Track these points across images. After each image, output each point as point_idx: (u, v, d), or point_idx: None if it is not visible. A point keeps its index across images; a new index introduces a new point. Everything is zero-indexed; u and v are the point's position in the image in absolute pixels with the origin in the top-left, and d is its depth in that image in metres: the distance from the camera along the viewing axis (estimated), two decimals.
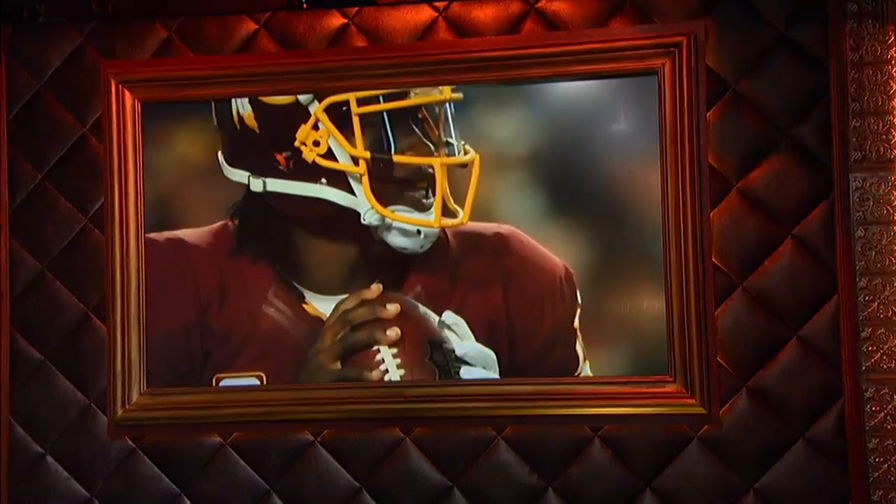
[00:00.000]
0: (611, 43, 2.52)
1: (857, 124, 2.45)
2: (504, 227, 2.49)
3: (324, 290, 2.53)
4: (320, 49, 2.61)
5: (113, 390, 2.63)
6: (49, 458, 2.67)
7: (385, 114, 2.45)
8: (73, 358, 2.66)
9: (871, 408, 2.43)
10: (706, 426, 2.49)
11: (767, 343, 2.49)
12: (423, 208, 2.47)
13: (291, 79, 2.58)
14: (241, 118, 2.49)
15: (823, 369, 2.47)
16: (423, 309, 2.51)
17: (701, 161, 2.48)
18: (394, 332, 2.51)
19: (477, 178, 2.48)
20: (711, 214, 2.49)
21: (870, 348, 2.44)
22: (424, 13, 2.59)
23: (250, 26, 2.64)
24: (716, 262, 2.50)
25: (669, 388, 2.49)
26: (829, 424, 2.46)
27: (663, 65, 2.50)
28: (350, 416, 2.56)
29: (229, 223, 2.54)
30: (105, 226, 2.65)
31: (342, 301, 2.52)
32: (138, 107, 2.63)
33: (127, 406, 2.62)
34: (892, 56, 2.43)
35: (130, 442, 2.65)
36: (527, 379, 2.52)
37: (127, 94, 2.63)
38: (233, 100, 2.51)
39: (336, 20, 2.62)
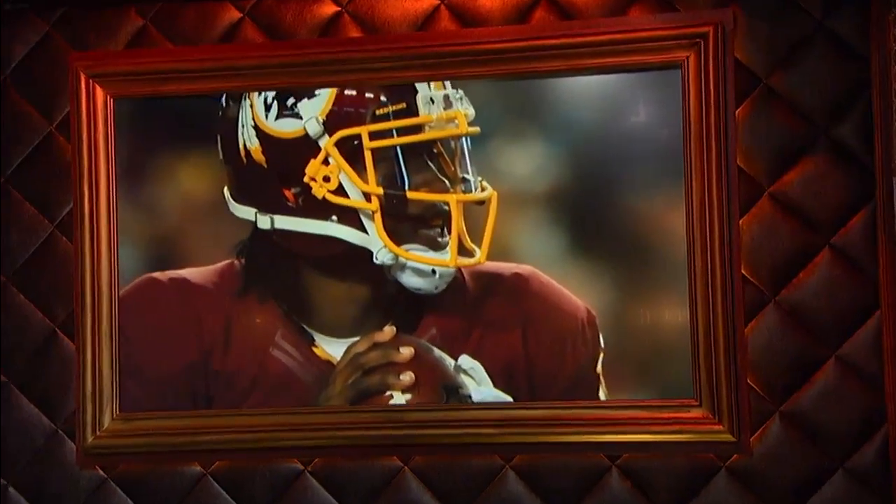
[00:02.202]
0: (629, 34, 2.41)
1: None
2: (523, 268, 2.44)
3: (334, 332, 2.47)
4: (311, 40, 2.51)
5: (82, 415, 2.52)
6: (12, 490, 2.56)
7: (398, 148, 2.40)
8: (38, 379, 2.55)
9: None
10: (735, 455, 2.38)
11: (803, 363, 2.38)
12: (439, 247, 2.42)
13: (279, 72, 2.48)
14: (248, 152, 2.44)
15: (865, 392, 2.36)
16: (438, 353, 2.45)
17: (729, 163, 2.38)
18: (408, 377, 2.44)
19: (495, 216, 2.42)
20: (741, 222, 2.39)
21: None
22: (425, 0, 2.49)
23: (234, 14, 2.54)
24: (745, 274, 2.39)
25: (694, 412, 2.38)
26: (872, 453, 2.35)
27: (687, 57, 2.38)
28: (343, 442, 2.46)
29: (235, 262, 2.49)
30: (74, 234, 2.54)
31: (353, 344, 2.46)
32: (111, 103, 2.53)
33: (98, 432, 2.52)
34: None
35: (101, 472, 2.54)
36: (538, 403, 2.42)
37: (98, 88, 2.53)
38: (239, 133, 2.45)
39: (328, 8, 2.51)
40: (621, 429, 2.40)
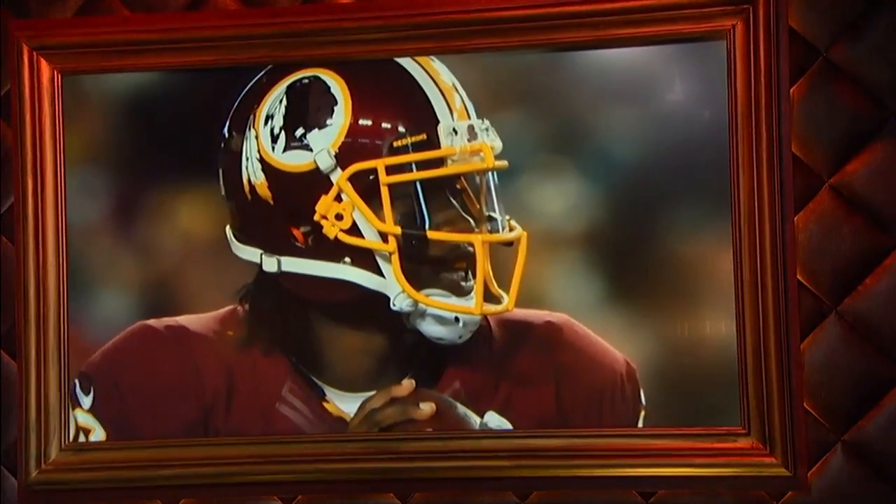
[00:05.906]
0: None
1: None
2: (556, 316, 2.37)
3: (347, 386, 2.39)
4: (294, 6, 2.38)
5: (25, 445, 2.38)
6: None
7: (418, 184, 2.34)
8: None
9: None
10: (790, 492, 2.25)
11: (869, 385, 2.25)
12: (462, 292, 2.33)
13: (257, 44, 2.36)
14: (252, 187, 2.37)
15: None
16: (462, 409, 2.36)
17: (783, 150, 2.24)
18: None
19: (524, 259, 2.34)
20: (796, 219, 2.26)
21: None
22: None
23: None
24: (801, 280, 2.26)
25: (742, 442, 2.26)
26: None
27: (734, 26, 2.26)
28: (330, 477, 2.34)
29: (238, 308, 2.42)
30: (16, 233, 2.40)
31: (368, 399, 2.36)
32: (58, 79, 2.40)
33: (43, 465, 2.38)
34: None
35: None
36: (557, 431, 2.32)
37: (44, 63, 2.40)
38: (243, 167, 2.37)
39: None
40: (656, 461, 2.28)
